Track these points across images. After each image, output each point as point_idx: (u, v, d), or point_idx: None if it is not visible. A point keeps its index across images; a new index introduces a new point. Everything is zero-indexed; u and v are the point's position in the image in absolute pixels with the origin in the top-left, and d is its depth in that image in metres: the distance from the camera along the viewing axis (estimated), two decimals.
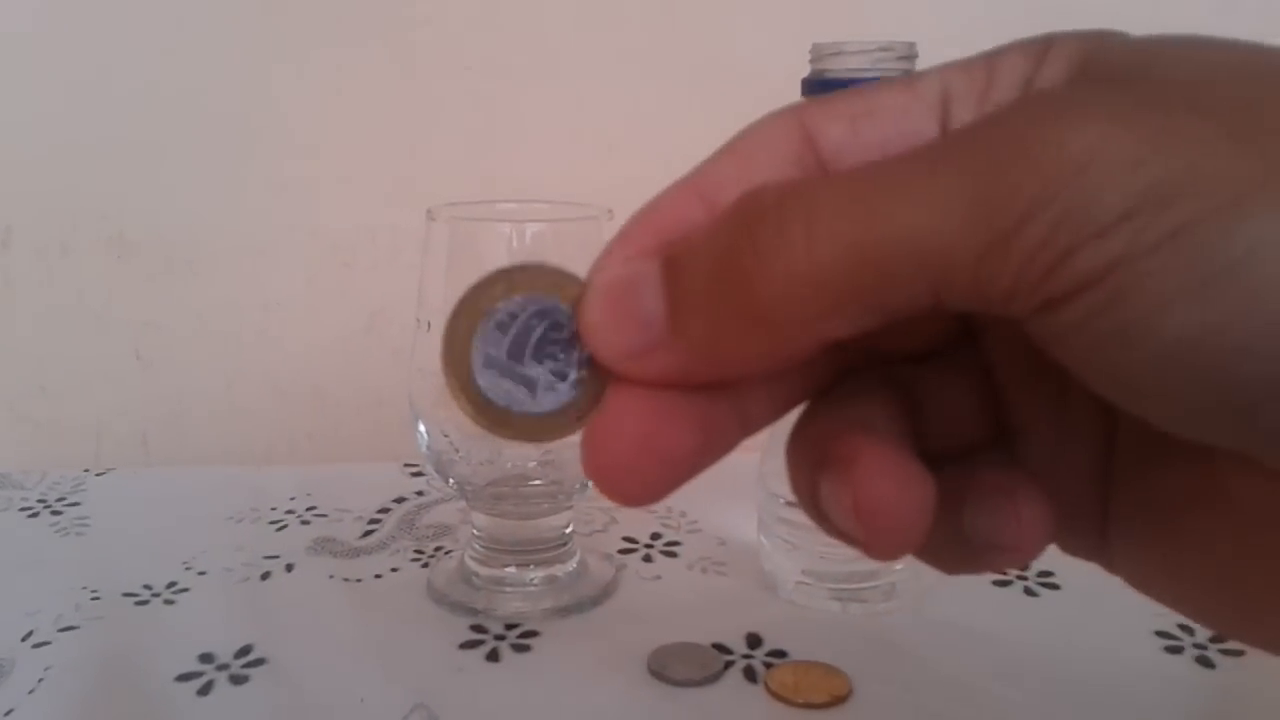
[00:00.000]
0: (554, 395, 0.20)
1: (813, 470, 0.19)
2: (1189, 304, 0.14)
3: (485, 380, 0.20)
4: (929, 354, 0.20)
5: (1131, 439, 0.19)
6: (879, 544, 0.18)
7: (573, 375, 0.19)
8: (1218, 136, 0.14)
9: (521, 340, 0.20)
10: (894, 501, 0.17)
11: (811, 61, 0.42)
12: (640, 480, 0.18)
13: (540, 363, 0.20)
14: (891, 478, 0.17)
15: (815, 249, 0.16)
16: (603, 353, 0.18)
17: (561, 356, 0.19)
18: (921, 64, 0.42)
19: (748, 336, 0.17)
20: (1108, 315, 0.15)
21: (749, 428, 0.19)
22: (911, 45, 0.41)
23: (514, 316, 0.19)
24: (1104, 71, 0.17)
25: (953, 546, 0.20)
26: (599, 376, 0.19)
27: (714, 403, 0.18)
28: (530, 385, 0.20)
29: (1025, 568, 0.48)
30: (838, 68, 0.41)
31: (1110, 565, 0.20)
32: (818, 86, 0.42)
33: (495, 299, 0.20)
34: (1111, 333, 0.15)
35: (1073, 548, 0.21)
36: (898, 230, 0.15)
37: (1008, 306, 0.15)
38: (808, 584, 0.44)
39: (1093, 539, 0.20)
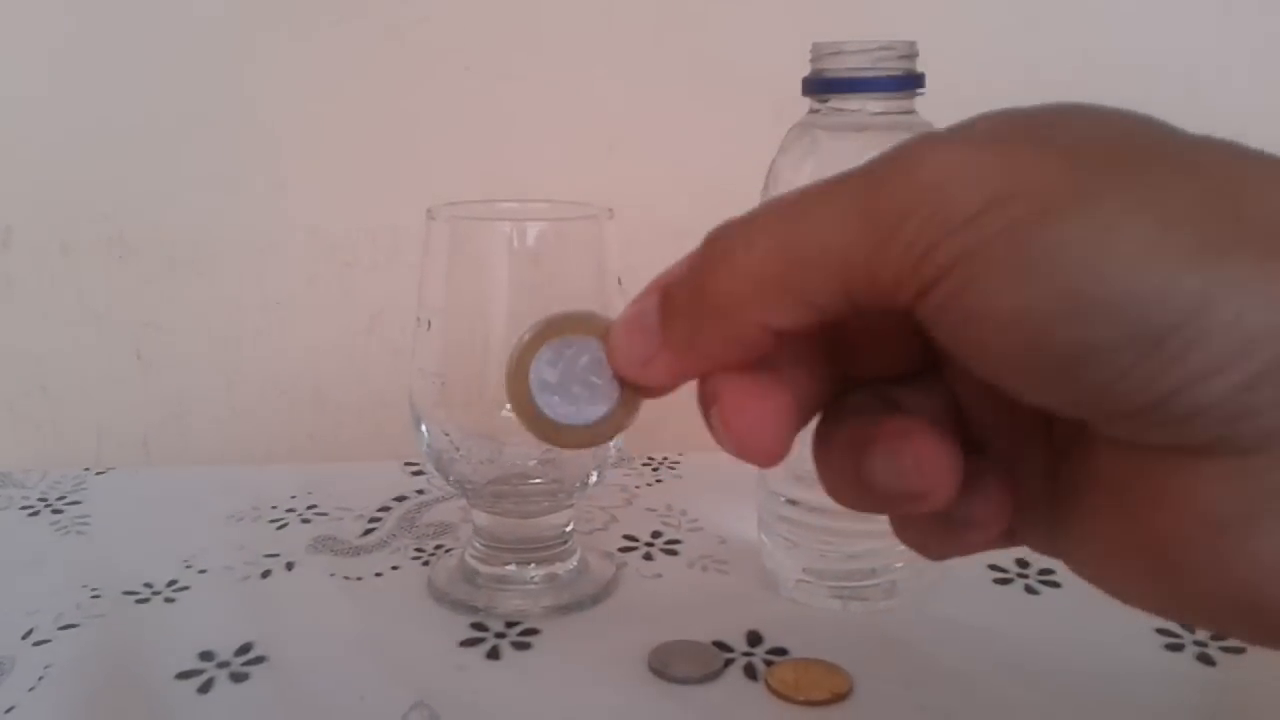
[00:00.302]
0: (594, 410, 0.25)
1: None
2: (1015, 285, 0.18)
3: (541, 400, 0.25)
4: (907, 376, 0.24)
5: (1060, 438, 0.23)
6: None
7: (607, 395, 0.25)
8: (1046, 162, 0.19)
9: (569, 370, 0.25)
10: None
11: (812, 61, 0.42)
12: (760, 441, 0.23)
13: (584, 386, 0.25)
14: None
15: (751, 256, 0.21)
16: (621, 367, 0.24)
17: (598, 381, 0.25)
18: (921, 64, 0.42)
19: (711, 329, 0.22)
20: (961, 298, 0.19)
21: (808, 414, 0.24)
22: (912, 44, 0.42)
23: (562, 353, 0.25)
24: (981, 121, 0.22)
25: (929, 529, 0.24)
26: (626, 396, 0.25)
27: (784, 390, 0.23)
28: (576, 403, 0.25)
29: (1025, 565, 0.48)
30: (838, 67, 0.41)
31: (1069, 563, 0.23)
32: (818, 86, 0.42)
33: (548, 337, 0.25)
34: (966, 313, 0.19)
35: (1041, 547, 0.23)
36: (810, 238, 0.20)
37: (895, 297, 0.20)
38: (808, 582, 0.44)
39: (1053, 537, 0.23)
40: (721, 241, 0.22)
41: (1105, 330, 0.18)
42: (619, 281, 0.45)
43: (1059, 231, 0.18)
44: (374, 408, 0.71)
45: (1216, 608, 0.19)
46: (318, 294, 0.71)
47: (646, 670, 0.40)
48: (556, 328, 0.25)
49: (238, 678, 0.39)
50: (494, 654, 0.41)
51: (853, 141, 0.41)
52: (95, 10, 0.66)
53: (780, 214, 0.21)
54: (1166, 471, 0.19)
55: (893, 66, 0.41)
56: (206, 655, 0.41)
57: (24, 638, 0.42)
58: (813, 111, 0.43)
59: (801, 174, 0.42)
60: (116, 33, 0.67)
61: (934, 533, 0.24)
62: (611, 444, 0.45)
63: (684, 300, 0.22)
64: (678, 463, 0.62)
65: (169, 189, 0.69)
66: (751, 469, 0.46)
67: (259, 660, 0.40)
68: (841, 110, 0.42)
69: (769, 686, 0.38)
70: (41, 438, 0.71)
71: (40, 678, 0.39)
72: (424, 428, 0.45)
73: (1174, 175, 0.19)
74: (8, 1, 0.66)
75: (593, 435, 0.25)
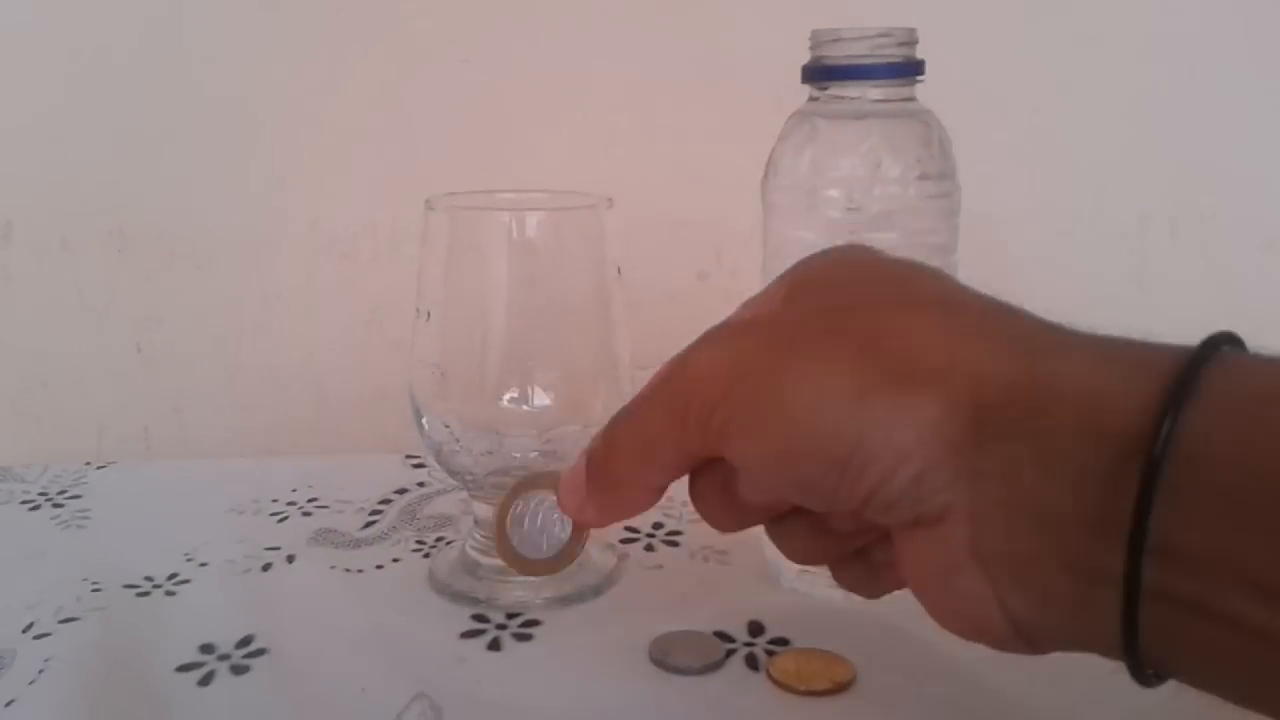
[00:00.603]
0: (554, 545, 0.36)
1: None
2: (751, 442, 0.27)
3: (515, 540, 0.36)
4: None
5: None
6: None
7: (564, 532, 0.35)
8: (758, 349, 0.27)
9: (534, 517, 0.36)
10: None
11: (811, 49, 0.42)
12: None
13: (546, 528, 0.36)
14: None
15: (618, 450, 0.31)
16: (568, 511, 0.33)
17: (556, 522, 0.35)
18: (921, 50, 0.42)
19: (616, 491, 0.32)
20: (733, 450, 0.27)
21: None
22: (911, 31, 0.41)
23: (528, 504, 0.36)
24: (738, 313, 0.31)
25: (859, 576, 0.32)
26: (576, 531, 0.35)
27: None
28: (542, 540, 0.36)
29: None
30: (837, 54, 0.41)
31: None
32: (817, 74, 0.42)
33: (519, 493, 0.36)
34: (740, 459, 0.28)
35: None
36: (647, 430, 0.30)
37: (706, 452, 0.28)
38: (810, 572, 0.44)
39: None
40: (604, 436, 0.31)
41: (808, 466, 0.26)
42: (618, 271, 0.45)
43: (762, 404, 0.26)
44: (374, 400, 0.71)
45: (968, 629, 0.26)
46: (317, 287, 0.70)
47: (648, 661, 0.39)
48: (525, 485, 0.36)
49: (238, 670, 0.39)
50: (495, 645, 0.41)
51: (853, 129, 0.41)
52: (93, 5, 0.66)
53: (628, 418, 0.30)
54: (904, 539, 0.26)
55: (892, 53, 0.41)
56: (207, 648, 0.41)
57: (24, 631, 0.42)
58: (812, 99, 0.43)
59: (802, 161, 0.42)
60: (115, 28, 0.67)
61: (862, 579, 0.32)
62: None
63: (595, 474, 0.32)
64: None
65: (169, 183, 0.69)
66: None
67: (260, 653, 0.40)
68: (841, 98, 0.41)
69: (771, 676, 0.38)
70: (42, 432, 0.71)
71: (41, 671, 0.39)
72: (424, 420, 0.45)
73: (834, 340, 0.26)
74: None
75: (557, 564, 0.36)
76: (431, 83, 0.68)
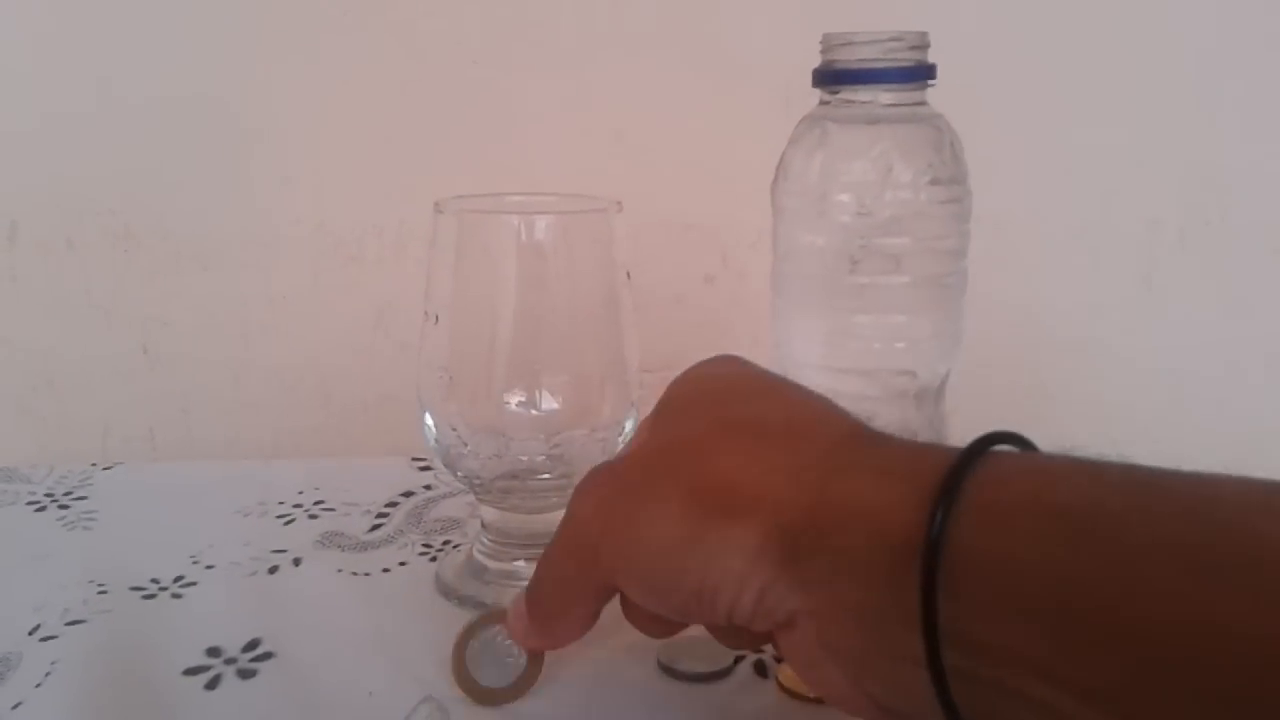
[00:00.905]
0: (510, 674, 0.37)
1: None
2: (624, 585, 0.31)
3: (474, 670, 0.38)
4: None
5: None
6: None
7: (519, 661, 0.37)
8: (604, 507, 0.31)
9: (490, 648, 0.38)
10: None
11: (822, 52, 0.42)
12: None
13: (501, 659, 0.38)
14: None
15: (537, 600, 0.35)
16: (517, 639, 0.36)
17: (510, 653, 0.38)
18: (933, 55, 0.42)
19: (551, 626, 0.35)
20: (615, 584, 0.32)
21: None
22: (923, 35, 0.41)
23: (485, 638, 0.38)
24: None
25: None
26: (531, 659, 0.37)
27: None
28: (498, 670, 0.37)
29: None
30: (849, 58, 0.41)
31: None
32: (829, 77, 0.42)
33: (475, 632, 0.38)
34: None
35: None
36: (549, 582, 0.34)
37: (606, 591, 0.33)
38: None
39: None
40: (534, 575, 0.35)
41: (673, 599, 0.29)
42: (627, 275, 0.45)
43: (626, 547, 0.30)
44: (380, 402, 0.71)
45: (847, 709, 0.28)
46: (324, 288, 0.70)
47: (656, 667, 0.39)
48: (480, 623, 0.38)
49: (245, 674, 0.39)
50: None
51: (864, 133, 0.41)
52: (100, 7, 0.66)
53: (546, 560, 0.34)
54: (777, 638, 0.29)
55: (904, 57, 0.41)
56: (214, 651, 0.40)
57: (31, 633, 0.42)
58: (823, 103, 0.42)
59: (812, 165, 0.41)
60: (122, 27, 0.67)
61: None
62: (619, 438, 0.45)
63: (532, 608, 0.35)
64: None
65: (175, 183, 0.69)
66: None
67: (267, 656, 0.40)
68: (852, 102, 0.41)
69: (779, 683, 0.38)
70: (48, 432, 0.71)
71: (47, 673, 0.39)
72: (431, 422, 0.45)
73: (668, 482, 0.29)
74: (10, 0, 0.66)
75: (515, 691, 0.37)
76: (439, 84, 0.68)
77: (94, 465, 0.61)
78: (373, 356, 0.71)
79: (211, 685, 0.38)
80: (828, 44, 0.42)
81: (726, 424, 0.30)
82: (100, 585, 0.46)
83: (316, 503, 0.55)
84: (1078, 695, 0.22)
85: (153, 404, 0.71)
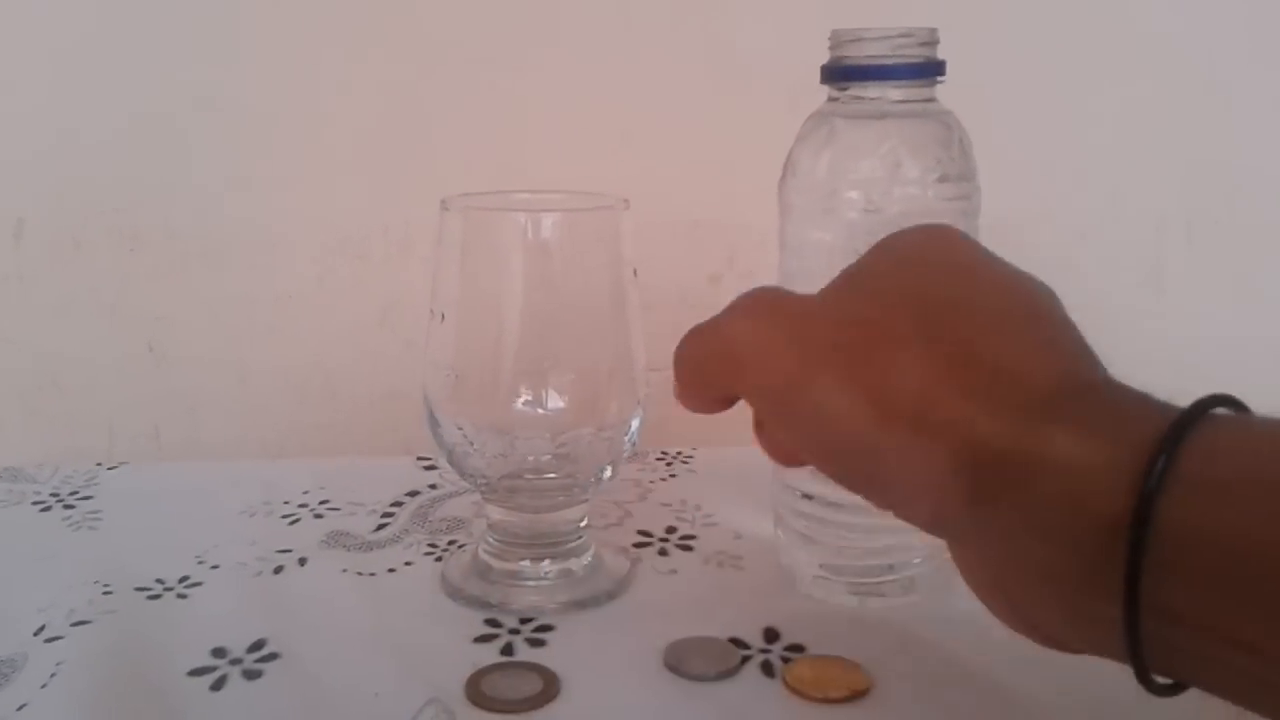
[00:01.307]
0: None
1: None
2: (784, 434, 0.31)
3: None
4: None
5: None
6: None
7: None
8: (788, 356, 0.29)
9: None
10: None
11: (831, 48, 0.42)
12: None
13: None
14: None
15: (675, 356, 0.33)
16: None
17: None
18: (943, 52, 0.41)
19: (690, 401, 0.34)
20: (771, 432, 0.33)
21: None
22: (932, 31, 0.41)
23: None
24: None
25: None
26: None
27: None
28: None
29: None
30: (857, 55, 0.41)
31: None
32: (838, 74, 0.42)
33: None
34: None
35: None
36: (682, 356, 0.33)
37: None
38: (825, 578, 0.44)
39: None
40: (678, 350, 0.34)
41: (832, 468, 0.29)
42: (634, 273, 0.44)
43: (791, 407, 0.28)
44: (386, 401, 0.71)
45: (1004, 622, 0.28)
46: (329, 287, 0.70)
47: (662, 667, 0.39)
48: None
49: (251, 675, 0.39)
50: (508, 650, 0.41)
51: (872, 129, 0.41)
52: (107, 5, 0.66)
53: (688, 346, 0.33)
54: (950, 548, 0.29)
55: (913, 54, 0.40)
56: (219, 652, 0.40)
57: (36, 634, 0.42)
58: (831, 100, 0.42)
59: (820, 162, 0.41)
60: (127, 25, 0.67)
61: None
62: (625, 438, 0.45)
63: (675, 376, 0.34)
64: (691, 457, 0.61)
65: (180, 182, 0.69)
66: (766, 463, 0.45)
67: (272, 657, 0.40)
68: (861, 98, 0.41)
69: (786, 684, 0.38)
70: (53, 432, 0.71)
71: (52, 675, 0.39)
72: (437, 421, 0.45)
73: (858, 368, 0.27)
74: None
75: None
76: (445, 82, 0.68)
77: (99, 465, 0.61)
78: (378, 355, 0.71)
79: (217, 686, 0.38)
80: (836, 40, 0.41)
81: (934, 329, 0.27)
82: (105, 586, 0.46)
83: (322, 502, 0.55)
84: None
85: (158, 403, 0.71)
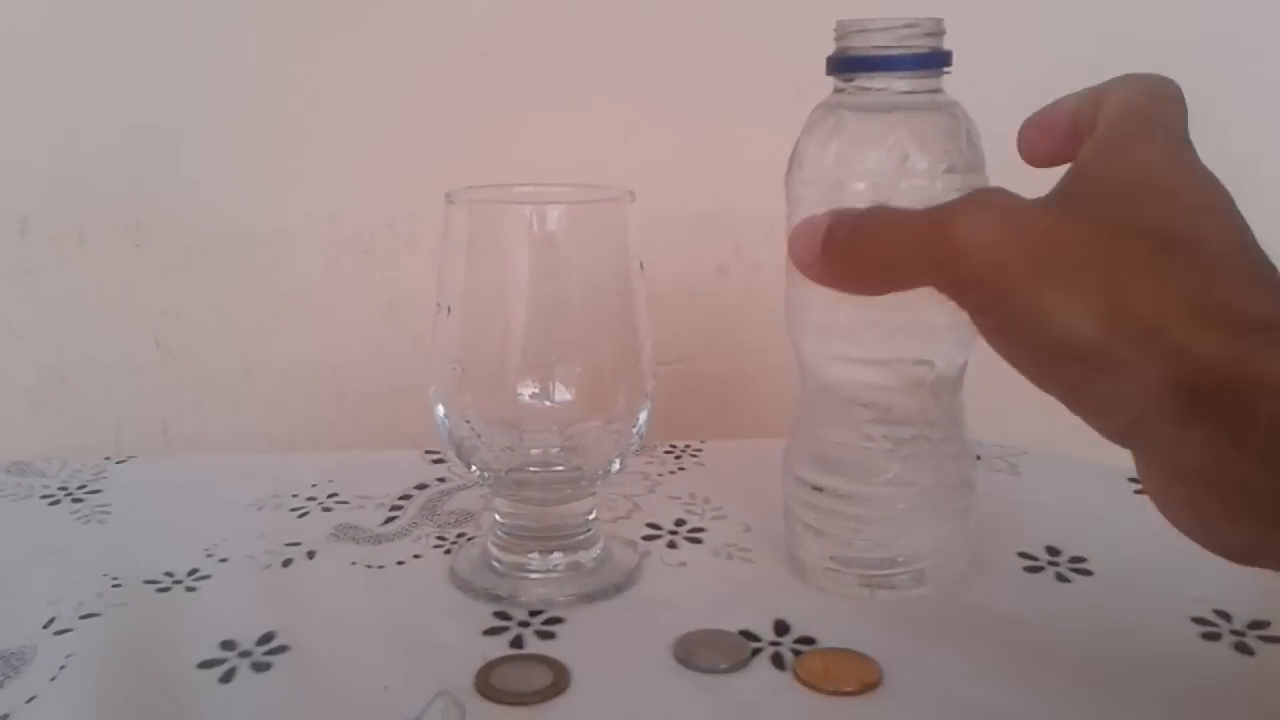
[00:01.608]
0: None
1: None
2: (997, 340, 0.30)
3: None
4: None
5: None
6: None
7: None
8: (1015, 257, 0.29)
9: None
10: None
11: (836, 39, 0.42)
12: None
13: None
14: None
15: (849, 239, 0.32)
16: (796, 257, 0.33)
17: None
18: (949, 42, 0.41)
19: (840, 269, 0.33)
20: (983, 333, 0.31)
21: None
22: (939, 22, 0.41)
23: None
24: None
25: None
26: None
27: None
28: None
29: (1056, 553, 0.47)
30: (863, 45, 0.41)
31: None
32: (843, 65, 0.41)
33: None
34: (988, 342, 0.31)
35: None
36: (870, 243, 0.32)
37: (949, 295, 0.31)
38: (836, 570, 0.44)
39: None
40: (853, 231, 0.32)
41: (1034, 369, 0.29)
42: (640, 265, 0.44)
43: (1013, 304, 0.28)
44: (393, 394, 0.71)
45: (1182, 528, 0.29)
46: (336, 281, 0.70)
47: (672, 660, 0.39)
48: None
49: (260, 667, 0.39)
50: (518, 643, 0.41)
51: (879, 121, 0.41)
52: (112, 1, 0.66)
53: (883, 234, 0.32)
54: (1135, 455, 0.30)
55: (919, 44, 0.40)
56: (228, 644, 0.40)
57: (45, 627, 0.42)
58: (837, 91, 0.42)
59: (827, 154, 0.41)
60: (132, 22, 0.66)
61: None
62: (633, 430, 0.45)
63: (831, 255, 0.32)
64: (700, 450, 0.61)
65: (186, 177, 0.69)
66: (777, 454, 0.45)
67: (281, 650, 0.40)
68: (867, 89, 0.41)
69: (797, 676, 0.38)
70: (60, 426, 0.71)
71: (62, 667, 0.39)
72: (444, 414, 0.44)
73: (1090, 277, 0.28)
74: None
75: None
76: (450, 76, 0.68)
77: (107, 459, 0.61)
78: (385, 348, 0.71)
79: (226, 678, 0.38)
80: (842, 31, 0.41)
81: (1171, 259, 0.28)
82: (114, 579, 0.46)
83: (330, 495, 0.55)
84: None
85: (165, 398, 0.71)
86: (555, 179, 0.46)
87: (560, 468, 0.45)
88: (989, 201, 0.30)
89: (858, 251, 0.32)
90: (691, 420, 0.67)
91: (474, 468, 0.45)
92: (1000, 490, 0.54)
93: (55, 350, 0.70)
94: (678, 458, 0.60)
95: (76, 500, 0.55)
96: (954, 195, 0.40)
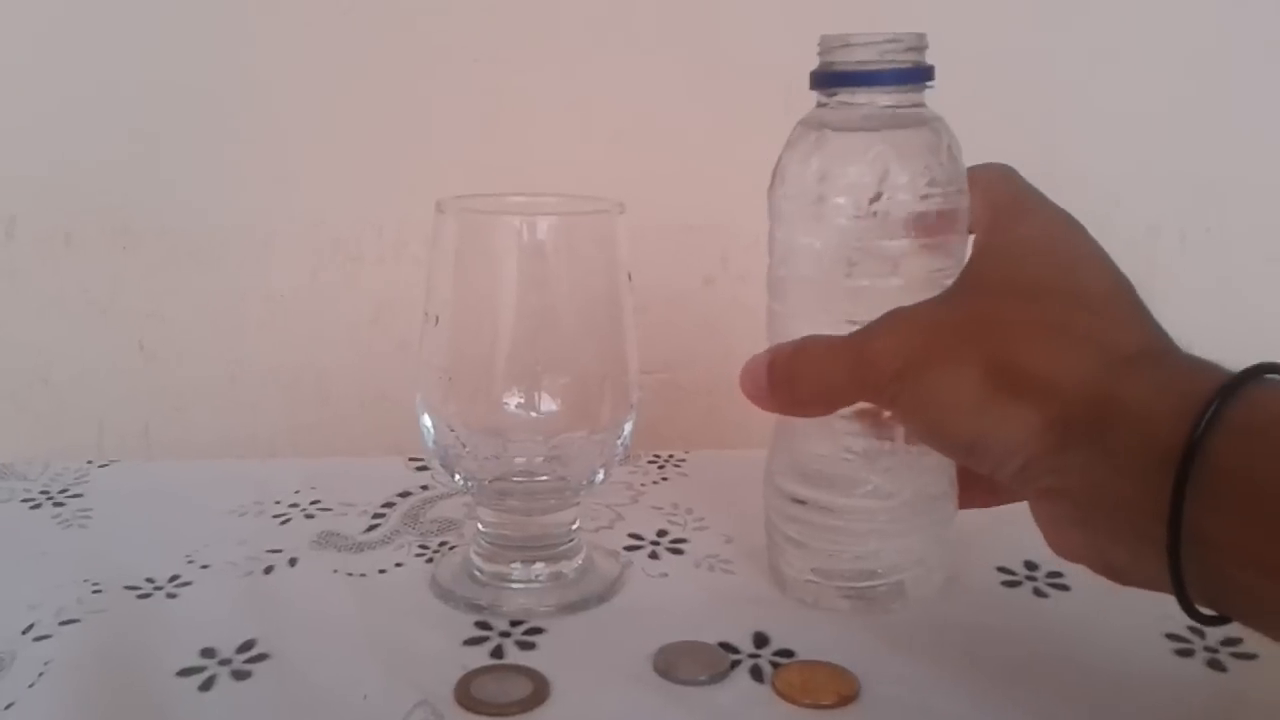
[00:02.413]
0: None
1: None
2: (904, 420, 0.37)
3: None
4: None
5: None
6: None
7: None
8: (912, 345, 0.35)
9: None
10: None
11: (819, 54, 0.42)
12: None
13: None
14: None
15: (786, 370, 0.39)
16: (747, 394, 0.39)
17: None
18: (931, 56, 0.41)
19: (786, 399, 0.39)
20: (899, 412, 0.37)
21: None
22: (921, 37, 0.41)
23: None
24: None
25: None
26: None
27: None
28: None
29: (1034, 568, 0.47)
30: (846, 60, 0.41)
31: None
32: (826, 79, 0.42)
33: None
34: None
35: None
36: (806, 371, 0.38)
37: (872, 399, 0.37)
38: (816, 583, 0.44)
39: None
40: (788, 363, 0.38)
41: (944, 446, 0.35)
42: (629, 276, 0.45)
43: (916, 393, 0.34)
44: (377, 401, 0.71)
45: (1071, 559, 0.33)
46: (322, 286, 0.70)
47: (652, 671, 0.39)
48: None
49: (240, 675, 0.39)
50: (498, 653, 0.41)
51: (861, 136, 0.41)
52: (98, 4, 0.66)
53: (814, 361, 0.38)
54: (1032, 503, 0.34)
55: (901, 59, 0.40)
56: (208, 652, 0.40)
57: (24, 632, 0.42)
58: (820, 105, 0.42)
59: (809, 169, 0.41)
60: (120, 22, 0.66)
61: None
62: (618, 441, 0.45)
63: (776, 388, 0.39)
64: (684, 460, 0.61)
65: (173, 180, 0.69)
66: (759, 466, 0.46)
67: (261, 658, 0.40)
68: (850, 104, 0.41)
69: (776, 689, 0.38)
70: (43, 429, 0.71)
71: (40, 674, 0.39)
72: (429, 422, 0.45)
73: (973, 351, 0.32)
74: None
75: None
76: (439, 82, 0.68)
77: (89, 463, 0.61)
78: (371, 355, 0.71)
79: (206, 686, 0.38)
80: (825, 46, 0.41)
81: (1044, 313, 0.33)
82: (95, 584, 0.46)
83: (313, 502, 0.55)
84: None
85: (149, 401, 0.71)
86: (543, 187, 0.46)
87: (544, 477, 0.45)
88: (894, 314, 0.35)
89: (797, 385, 0.38)
90: (676, 429, 0.67)
91: (458, 476, 0.45)
92: None
93: (39, 352, 0.70)
94: (661, 467, 0.60)
95: (58, 504, 0.55)
96: (934, 208, 0.41)
